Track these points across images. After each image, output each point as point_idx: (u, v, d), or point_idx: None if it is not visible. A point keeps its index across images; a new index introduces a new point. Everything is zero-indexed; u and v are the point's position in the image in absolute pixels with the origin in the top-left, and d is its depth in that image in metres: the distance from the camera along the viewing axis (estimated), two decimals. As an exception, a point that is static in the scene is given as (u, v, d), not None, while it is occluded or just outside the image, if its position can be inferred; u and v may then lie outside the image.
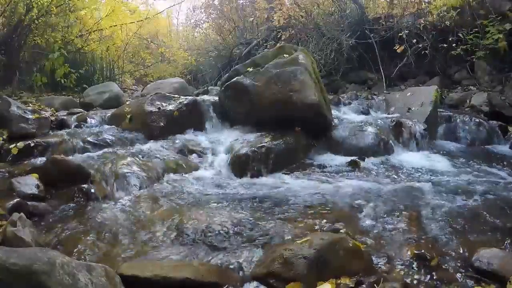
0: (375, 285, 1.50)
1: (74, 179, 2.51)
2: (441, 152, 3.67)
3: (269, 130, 3.55)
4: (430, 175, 2.98)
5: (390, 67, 6.74)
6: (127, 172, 2.71)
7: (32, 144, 3.16)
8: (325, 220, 2.13)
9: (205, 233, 1.98)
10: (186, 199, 2.50)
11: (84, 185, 2.47)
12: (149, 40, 11.74)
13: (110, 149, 3.28)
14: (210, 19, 12.14)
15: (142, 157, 3.03)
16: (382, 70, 6.67)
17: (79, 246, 1.88)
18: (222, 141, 3.60)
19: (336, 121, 4.09)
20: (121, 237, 1.97)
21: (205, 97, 4.96)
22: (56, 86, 6.57)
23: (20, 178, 2.45)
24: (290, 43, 6.53)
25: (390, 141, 3.69)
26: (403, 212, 2.21)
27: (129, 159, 2.93)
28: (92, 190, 2.47)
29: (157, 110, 3.82)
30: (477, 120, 4.23)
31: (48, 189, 2.44)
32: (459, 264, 1.68)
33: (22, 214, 1.81)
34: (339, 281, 1.52)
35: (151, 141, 3.57)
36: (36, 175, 2.50)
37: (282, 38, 7.87)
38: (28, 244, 1.65)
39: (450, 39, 5.89)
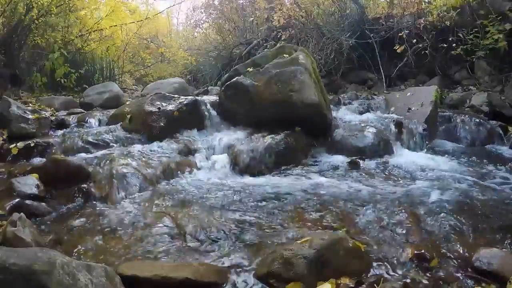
0: (375, 285, 1.50)
1: (74, 179, 2.52)
2: (441, 152, 3.67)
3: (269, 130, 3.55)
4: (430, 175, 2.98)
5: (390, 67, 6.73)
6: (127, 172, 2.71)
7: (32, 144, 3.17)
8: (325, 220, 2.14)
9: (205, 233, 1.98)
10: (186, 199, 2.50)
11: (84, 185, 2.48)
12: (149, 40, 11.72)
13: (110, 149, 3.28)
14: (210, 19, 12.09)
15: (142, 157, 3.03)
16: (382, 70, 6.66)
17: (79, 246, 1.88)
18: (222, 141, 3.59)
19: (336, 121, 4.09)
20: (121, 237, 1.97)
21: (205, 97, 4.97)
22: (56, 86, 6.58)
23: (20, 178, 2.45)
24: (290, 43, 6.54)
25: (390, 141, 3.70)
26: (403, 212, 2.21)
27: (129, 159, 2.93)
28: (92, 190, 2.47)
29: (157, 110, 3.82)
30: (477, 120, 4.23)
31: (48, 189, 2.44)
32: (459, 264, 1.68)
33: (22, 214, 1.81)
34: (339, 281, 1.52)
35: (151, 141, 3.56)
36: (36, 175, 2.50)
37: (282, 38, 7.86)
38: (28, 244, 1.65)
39: (450, 39, 5.88)
